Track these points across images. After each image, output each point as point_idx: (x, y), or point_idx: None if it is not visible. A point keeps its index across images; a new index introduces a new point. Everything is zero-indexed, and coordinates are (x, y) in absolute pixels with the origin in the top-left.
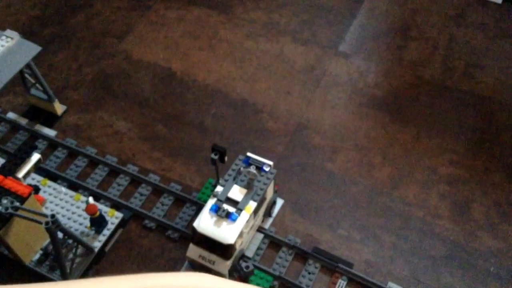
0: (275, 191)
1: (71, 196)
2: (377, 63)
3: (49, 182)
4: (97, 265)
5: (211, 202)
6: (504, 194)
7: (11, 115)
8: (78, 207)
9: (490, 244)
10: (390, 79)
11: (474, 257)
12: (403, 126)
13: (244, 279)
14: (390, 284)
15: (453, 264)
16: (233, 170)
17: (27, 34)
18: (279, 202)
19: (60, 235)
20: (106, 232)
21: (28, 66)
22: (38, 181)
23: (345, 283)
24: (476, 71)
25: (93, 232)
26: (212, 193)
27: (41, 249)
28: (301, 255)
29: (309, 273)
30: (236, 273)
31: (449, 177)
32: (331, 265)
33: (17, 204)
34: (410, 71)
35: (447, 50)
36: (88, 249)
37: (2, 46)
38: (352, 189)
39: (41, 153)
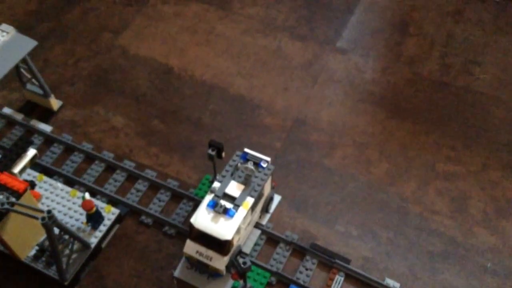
0: (273, 187)
1: (67, 192)
2: (375, 59)
3: (45, 178)
4: (94, 261)
5: (208, 198)
6: (501, 190)
7: (6, 110)
8: (74, 203)
9: (487, 240)
10: (388, 75)
11: (471, 253)
12: (401, 122)
13: (241, 275)
14: (387, 280)
15: (450, 260)
16: (231, 166)
17: (23, 28)
18: (277, 198)
19: (56, 231)
20: (103, 228)
21: (23, 60)
22: (34, 177)
23: (342, 279)
24: (474, 68)
25: (89, 228)
26: (209, 189)
27: (37, 245)
28: (299, 251)
29: (307, 269)
30: (233, 269)
31: (446, 173)
32: (329, 261)
33: (13, 199)
34: (407, 67)
35: (445, 46)
36: (85, 245)
37: None
38: (349, 185)
39: (37, 149)
